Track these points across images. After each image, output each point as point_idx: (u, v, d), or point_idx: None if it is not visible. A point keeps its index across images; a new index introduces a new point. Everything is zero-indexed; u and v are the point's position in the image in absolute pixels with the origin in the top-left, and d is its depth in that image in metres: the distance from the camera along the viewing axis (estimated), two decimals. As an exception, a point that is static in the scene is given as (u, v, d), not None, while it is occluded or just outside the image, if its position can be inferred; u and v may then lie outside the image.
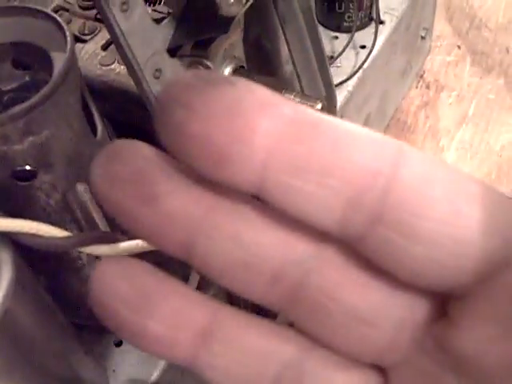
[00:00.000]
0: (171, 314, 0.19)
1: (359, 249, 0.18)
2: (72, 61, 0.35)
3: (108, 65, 0.44)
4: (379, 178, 0.16)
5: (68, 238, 0.34)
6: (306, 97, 0.46)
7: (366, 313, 0.18)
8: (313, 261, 0.18)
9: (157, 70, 0.38)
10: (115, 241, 0.36)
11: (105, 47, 0.46)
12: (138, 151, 0.18)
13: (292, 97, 0.46)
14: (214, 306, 0.20)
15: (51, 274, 0.43)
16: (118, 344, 0.49)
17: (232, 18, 0.36)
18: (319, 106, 0.45)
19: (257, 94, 0.17)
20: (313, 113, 0.17)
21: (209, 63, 0.39)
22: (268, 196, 0.17)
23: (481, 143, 0.78)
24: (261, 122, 0.17)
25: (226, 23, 0.36)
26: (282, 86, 0.46)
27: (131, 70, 0.37)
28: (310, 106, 0.45)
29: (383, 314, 0.18)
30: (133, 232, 0.19)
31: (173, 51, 0.39)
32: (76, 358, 0.43)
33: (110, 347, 0.49)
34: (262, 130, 0.16)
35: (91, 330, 0.49)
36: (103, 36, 0.47)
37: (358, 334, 0.19)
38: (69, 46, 0.35)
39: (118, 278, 0.19)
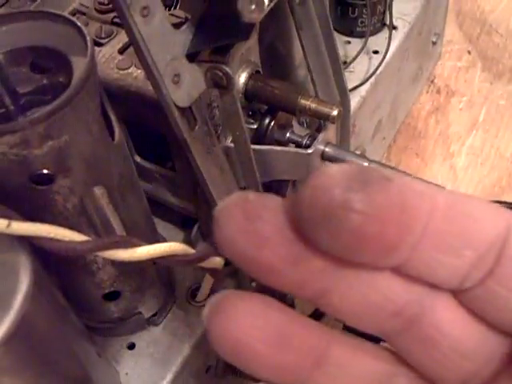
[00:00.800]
0: (299, 344, 0.22)
1: (467, 297, 0.21)
2: (92, 65, 0.35)
3: (125, 69, 0.44)
4: (498, 241, 0.20)
5: (86, 242, 0.35)
6: (322, 102, 0.46)
7: (468, 348, 0.22)
8: (429, 300, 0.22)
9: (176, 74, 0.38)
10: (133, 246, 0.37)
11: (121, 51, 0.46)
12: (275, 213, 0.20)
13: (309, 102, 0.46)
14: (327, 331, 0.22)
15: (66, 277, 0.43)
16: (131, 347, 0.49)
17: (253, 25, 0.36)
18: (335, 112, 0.45)
19: (414, 185, 0.20)
20: (452, 196, 0.21)
21: (227, 69, 0.39)
22: (408, 269, 0.20)
23: (491, 149, 0.78)
24: (422, 212, 0.20)
25: (246, 30, 0.36)
26: (297, 91, 0.46)
27: (150, 74, 0.37)
28: (327, 111, 0.45)
29: (481, 350, 0.22)
30: (272, 284, 0.21)
31: (191, 56, 0.39)
32: (89, 360, 0.43)
33: (122, 350, 0.49)
34: (423, 218, 0.20)
35: (104, 333, 0.49)
36: (120, 39, 0.47)
37: (455, 365, 0.22)
38: (89, 51, 0.35)
39: (250, 316, 0.21)
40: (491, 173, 0.76)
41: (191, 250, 0.40)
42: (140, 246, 0.37)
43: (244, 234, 0.20)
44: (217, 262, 0.44)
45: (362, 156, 0.47)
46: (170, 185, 0.50)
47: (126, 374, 0.48)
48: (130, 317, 0.48)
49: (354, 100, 0.62)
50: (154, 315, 0.50)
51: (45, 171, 0.35)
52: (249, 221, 0.20)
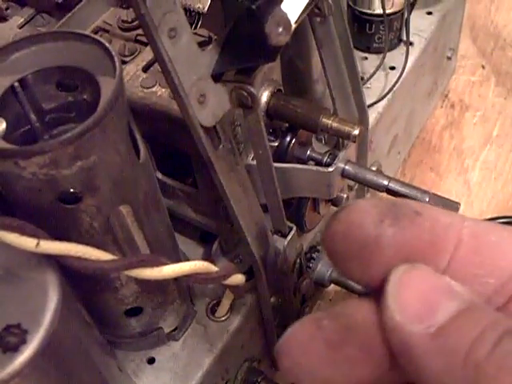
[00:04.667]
0: None
1: None
2: (121, 86, 0.36)
3: (149, 87, 0.45)
4: None
5: (113, 261, 0.35)
6: (343, 121, 0.46)
7: None
8: None
9: (201, 95, 0.38)
10: (159, 264, 0.37)
11: (145, 69, 0.46)
12: None
13: (330, 121, 0.46)
14: None
15: (89, 293, 0.43)
16: (151, 361, 0.50)
17: (280, 47, 0.36)
18: (357, 131, 0.46)
19: (441, 218, 0.23)
20: (476, 225, 0.23)
21: (252, 89, 0.39)
22: None
23: (505, 164, 0.79)
24: (449, 245, 0.22)
25: (273, 52, 0.36)
26: (319, 110, 0.47)
27: (176, 94, 0.37)
28: (348, 130, 0.46)
29: None
30: None
31: (216, 76, 0.39)
32: (111, 375, 0.43)
33: (142, 364, 0.50)
34: (449, 250, 0.23)
35: (125, 347, 0.50)
36: (143, 57, 0.47)
37: None
38: (118, 71, 0.36)
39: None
40: (505, 187, 0.76)
41: (214, 268, 0.40)
42: (166, 264, 0.37)
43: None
44: (238, 279, 0.44)
45: (380, 172, 0.48)
46: (191, 201, 0.51)
47: (146, 388, 0.48)
48: (151, 332, 0.48)
49: (372, 116, 0.62)
50: (174, 330, 0.50)
51: (72, 190, 0.36)
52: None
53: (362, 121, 0.56)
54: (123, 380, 0.47)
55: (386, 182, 0.47)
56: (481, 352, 0.20)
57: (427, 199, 0.46)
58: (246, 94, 0.40)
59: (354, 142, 0.46)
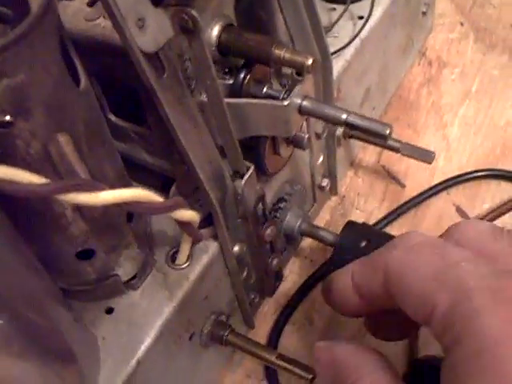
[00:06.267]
0: None
1: None
2: (50, 2, 0.34)
3: (93, 20, 0.43)
4: None
5: (46, 184, 0.34)
6: (295, 52, 0.45)
7: None
8: None
9: (140, 19, 0.37)
10: (96, 189, 0.35)
11: (91, 4, 0.45)
12: None
13: (283, 52, 0.45)
14: None
15: (36, 235, 0.42)
16: (109, 311, 0.48)
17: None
18: (310, 60, 0.44)
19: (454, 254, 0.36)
20: None
21: (193, 12, 0.38)
22: None
23: (485, 119, 0.77)
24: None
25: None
26: (272, 41, 0.45)
27: (113, 18, 0.36)
28: (302, 60, 0.44)
29: None
30: None
31: (157, 0, 0.38)
32: (64, 324, 0.42)
33: (100, 315, 0.48)
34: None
35: (81, 297, 0.48)
36: (89, -6, 0.46)
37: None
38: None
39: None
40: (485, 142, 0.75)
41: (158, 198, 0.39)
42: (104, 189, 0.35)
43: None
44: (189, 214, 0.42)
45: (341, 108, 0.46)
46: (145, 143, 0.49)
47: (104, 338, 0.47)
48: (107, 279, 0.47)
49: (338, 64, 0.61)
50: (133, 279, 0.48)
51: (3, 113, 0.34)
52: None
53: (325, 65, 0.54)
54: (79, 330, 0.45)
55: (344, 116, 0.46)
56: None
57: (387, 132, 0.45)
58: (187, 17, 0.38)
59: (309, 72, 0.45)
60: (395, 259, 0.37)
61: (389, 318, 0.42)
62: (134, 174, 0.47)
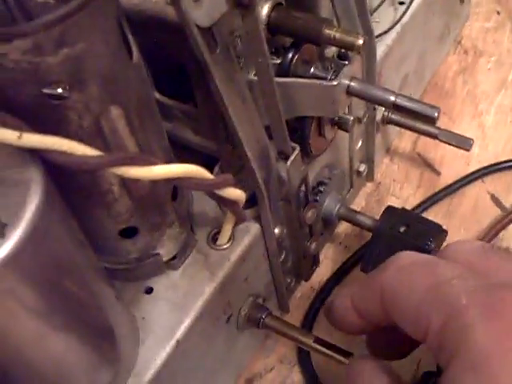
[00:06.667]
0: None
1: None
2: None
3: (144, -6, 0.43)
4: None
5: (100, 156, 0.33)
6: (346, 31, 0.44)
7: None
8: None
9: (196, -8, 0.36)
10: (149, 163, 0.35)
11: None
12: None
13: (333, 32, 0.44)
14: None
15: (81, 210, 0.41)
16: (149, 291, 0.48)
17: None
18: (361, 40, 0.43)
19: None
20: None
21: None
22: None
23: (521, 108, 0.76)
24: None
25: None
26: (322, 20, 0.44)
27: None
28: (352, 40, 0.44)
29: None
30: None
31: (212, -26, 0.37)
32: (106, 301, 0.42)
33: (139, 295, 0.48)
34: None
35: (121, 277, 0.48)
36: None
37: None
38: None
39: None
40: (521, 131, 0.74)
41: (209, 175, 0.38)
42: (156, 164, 0.35)
43: None
44: (237, 194, 0.42)
45: (389, 89, 0.45)
46: (191, 121, 0.49)
47: (143, 318, 0.46)
48: (148, 258, 0.46)
49: (380, 49, 0.60)
50: (173, 258, 0.48)
51: (58, 85, 0.34)
52: None
53: (370, 50, 0.54)
54: (120, 309, 0.45)
55: (393, 98, 0.45)
56: None
57: (436, 114, 0.44)
58: (241, -7, 0.38)
59: (359, 53, 0.44)
60: (388, 279, 0.39)
61: (390, 337, 0.43)
62: (175, 154, 0.46)
